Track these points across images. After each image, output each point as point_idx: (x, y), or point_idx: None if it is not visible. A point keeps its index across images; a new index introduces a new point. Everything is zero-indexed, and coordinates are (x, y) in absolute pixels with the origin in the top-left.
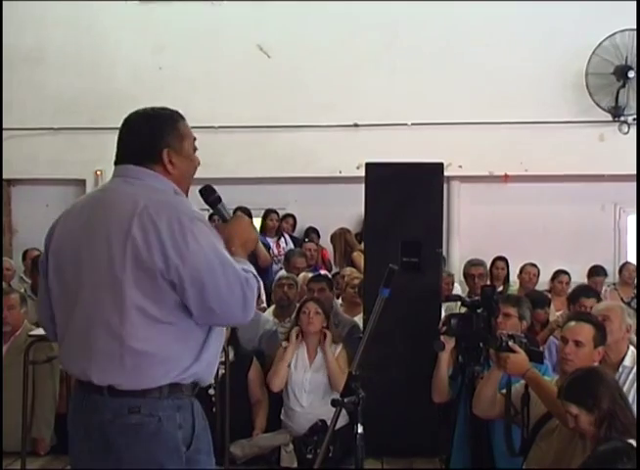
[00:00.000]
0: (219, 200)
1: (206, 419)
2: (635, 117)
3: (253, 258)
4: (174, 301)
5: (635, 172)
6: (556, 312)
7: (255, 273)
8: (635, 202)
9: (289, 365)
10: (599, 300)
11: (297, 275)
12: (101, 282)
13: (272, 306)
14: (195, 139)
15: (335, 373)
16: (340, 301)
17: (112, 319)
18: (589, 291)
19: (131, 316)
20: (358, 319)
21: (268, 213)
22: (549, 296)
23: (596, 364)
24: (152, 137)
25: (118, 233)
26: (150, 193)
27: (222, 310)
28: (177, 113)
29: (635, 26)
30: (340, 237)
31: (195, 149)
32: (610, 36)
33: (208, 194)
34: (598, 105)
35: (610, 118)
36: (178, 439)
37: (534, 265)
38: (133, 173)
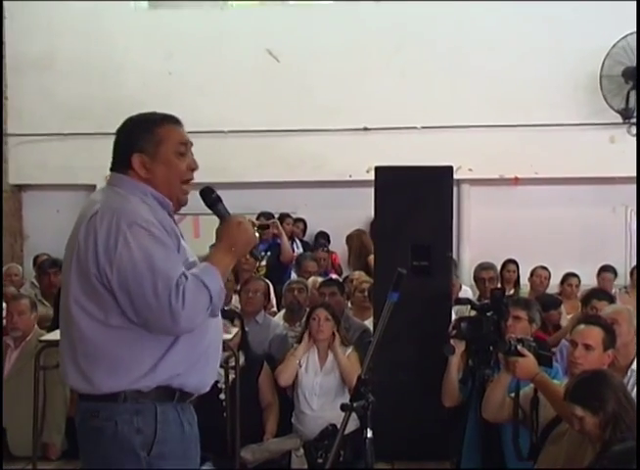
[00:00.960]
0: (217, 200)
1: (193, 425)
2: None
3: (277, 252)
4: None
5: None
6: (566, 316)
7: (208, 283)
8: None
9: (299, 365)
10: (612, 302)
11: (308, 279)
12: (64, 286)
13: (282, 311)
14: (186, 143)
15: (347, 371)
16: (349, 305)
17: (67, 324)
18: (602, 293)
19: (79, 320)
20: (368, 323)
21: (284, 218)
22: (560, 298)
23: (605, 367)
24: (124, 143)
25: (72, 239)
26: (109, 199)
27: (151, 318)
28: (163, 117)
29: None
30: (356, 238)
31: (182, 153)
32: (622, 38)
33: (205, 195)
34: (611, 107)
35: (620, 120)
36: (135, 443)
37: (545, 268)
38: (111, 180)
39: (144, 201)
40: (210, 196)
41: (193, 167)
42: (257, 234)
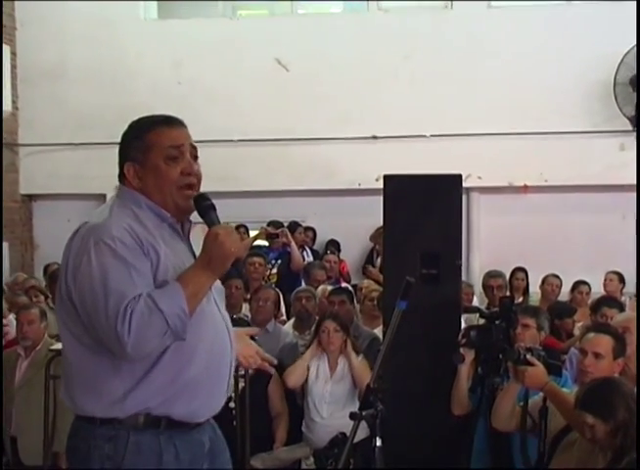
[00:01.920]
0: (208, 208)
1: (182, 454)
2: None
3: (287, 261)
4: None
5: None
6: (577, 323)
7: (162, 306)
8: None
9: (308, 368)
10: (622, 310)
11: (317, 288)
12: None
13: (292, 320)
14: (179, 146)
15: (360, 376)
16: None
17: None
18: (611, 301)
19: (62, 338)
20: (378, 332)
21: (293, 226)
22: (575, 306)
23: (616, 375)
24: (120, 151)
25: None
26: (95, 214)
27: (104, 339)
28: (156, 121)
29: None
30: (380, 237)
31: (173, 157)
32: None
33: (197, 202)
34: (624, 114)
35: (630, 128)
36: (104, 469)
37: (557, 276)
38: (117, 191)
39: (134, 213)
40: (201, 203)
41: (189, 171)
42: (251, 243)
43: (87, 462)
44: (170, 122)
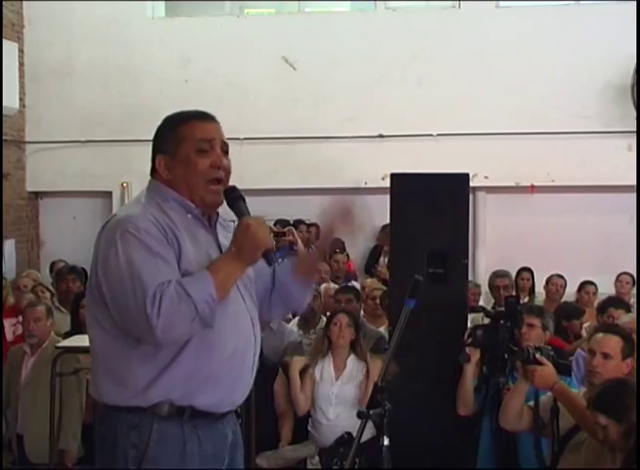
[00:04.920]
0: (236, 199)
1: (205, 444)
2: None
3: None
4: None
5: None
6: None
7: (192, 292)
8: None
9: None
10: (628, 311)
11: (321, 285)
12: None
13: (296, 318)
14: (210, 139)
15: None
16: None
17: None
18: (619, 302)
19: (90, 328)
20: (381, 330)
21: (298, 224)
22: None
23: (625, 376)
24: (153, 144)
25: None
26: (124, 207)
27: (132, 325)
28: (191, 115)
29: None
30: (387, 237)
31: (204, 150)
32: None
33: (226, 194)
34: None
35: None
36: (129, 457)
37: (561, 276)
38: (148, 184)
39: (159, 205)
40: (231, 195)
41: (219, 165)
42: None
43: (114, 449)
44: (203, 116)
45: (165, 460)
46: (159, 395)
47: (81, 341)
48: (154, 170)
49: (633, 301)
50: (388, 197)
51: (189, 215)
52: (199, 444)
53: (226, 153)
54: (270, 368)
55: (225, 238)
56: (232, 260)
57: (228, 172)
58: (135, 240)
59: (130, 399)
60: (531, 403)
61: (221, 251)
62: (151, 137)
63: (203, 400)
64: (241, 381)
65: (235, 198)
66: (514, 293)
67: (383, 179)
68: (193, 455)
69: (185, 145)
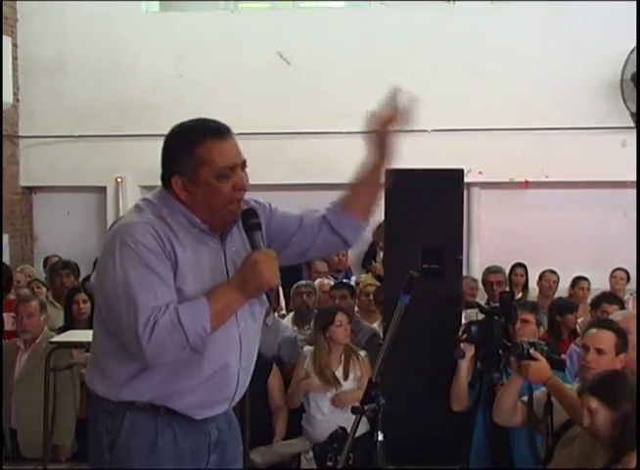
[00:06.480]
0: (253, 227)
1: (179, 441)
2: None
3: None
4: None
5: None
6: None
7: (184, 322)
8: None
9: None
10: (622, 307)
11: (316, 280)
12: None
13: (291, 314)
14: (233, 166)
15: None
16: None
17: None
18: (612, 297)
19: (94, 321)
20: (374, 326)
21: None
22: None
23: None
24: (165, 161)
25: None
26: (127, 213)
27: (123, 340)
28: (205, 132)
29: None
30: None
31: (227, 175)
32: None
33: (244, 217)
34: (630, 111)
35: (632, 124)
36: (104, 442)
37: (554, 272)
38: (152, 194)
39: (163, 214)
40: (248, 221)
41: (240, 187)
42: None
43: (94, 434)
44: (219, 134)
45: (135, 449)
46: (134, 393)
47: (75, 336)
48: (166, 184)
49: (626, 296)
50: (382, 193)
51: (195, 230)
52: (173, 438)
53: (244, 166)
54: (264, 363)
55: (241, 242)
56: (233, 291)
57: (246, 189)
58: (133, 254)
59: (109, 391)
60: (525, 398)
61: (226, 263)
62: (145, 132)
63: (178, 406)
64: (219, 396)
65: (251, 225)
66: (507, 289)
67: None
68: (166, 447)
69: (206, 171)
